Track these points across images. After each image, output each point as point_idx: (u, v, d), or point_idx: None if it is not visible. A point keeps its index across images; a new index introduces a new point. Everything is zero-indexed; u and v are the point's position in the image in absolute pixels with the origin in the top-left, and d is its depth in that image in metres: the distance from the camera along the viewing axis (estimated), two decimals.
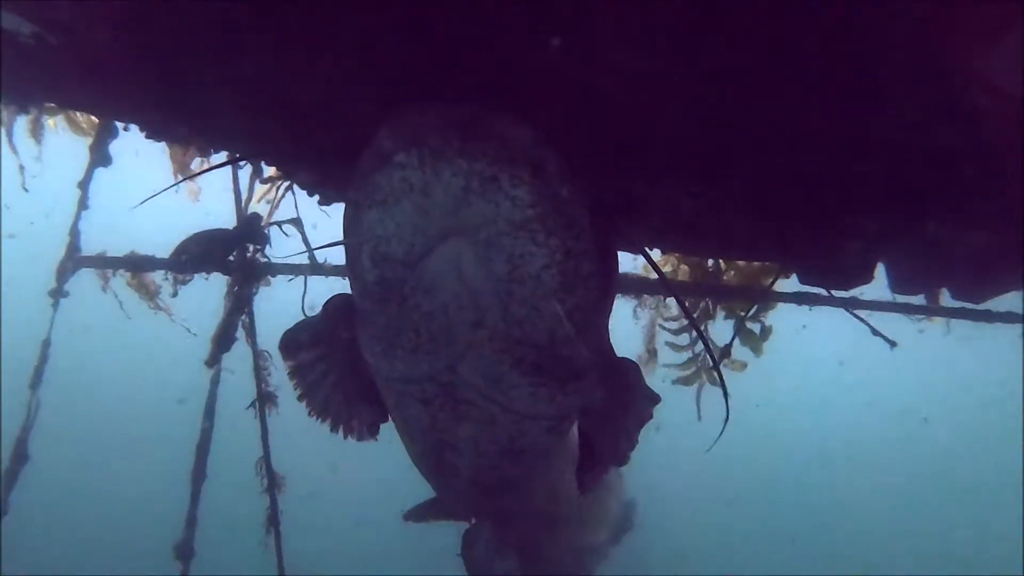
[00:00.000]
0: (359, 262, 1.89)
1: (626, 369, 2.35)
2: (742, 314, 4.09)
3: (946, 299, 3.95)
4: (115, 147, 3.95)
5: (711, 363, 4.06)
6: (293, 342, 2.42)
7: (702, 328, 4.16)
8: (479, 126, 1.64)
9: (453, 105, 1.69)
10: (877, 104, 1.89)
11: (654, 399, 2.37)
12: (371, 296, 1.93)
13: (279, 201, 3.86)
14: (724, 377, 2.42)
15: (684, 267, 3.99)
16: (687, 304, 3.89)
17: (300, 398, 2.47)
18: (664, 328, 4.11)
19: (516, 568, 3.32)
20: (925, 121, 1.89)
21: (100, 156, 3.97)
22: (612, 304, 2.32)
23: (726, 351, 3.59)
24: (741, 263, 3.93)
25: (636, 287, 4.03)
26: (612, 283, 2.11)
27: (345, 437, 2.49)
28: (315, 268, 3.52)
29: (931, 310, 4.07)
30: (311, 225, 3.66)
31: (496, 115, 1.67)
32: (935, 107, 1.84)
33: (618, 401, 2.28)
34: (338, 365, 2.44)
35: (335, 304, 2.36)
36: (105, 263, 3.92)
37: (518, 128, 1.67)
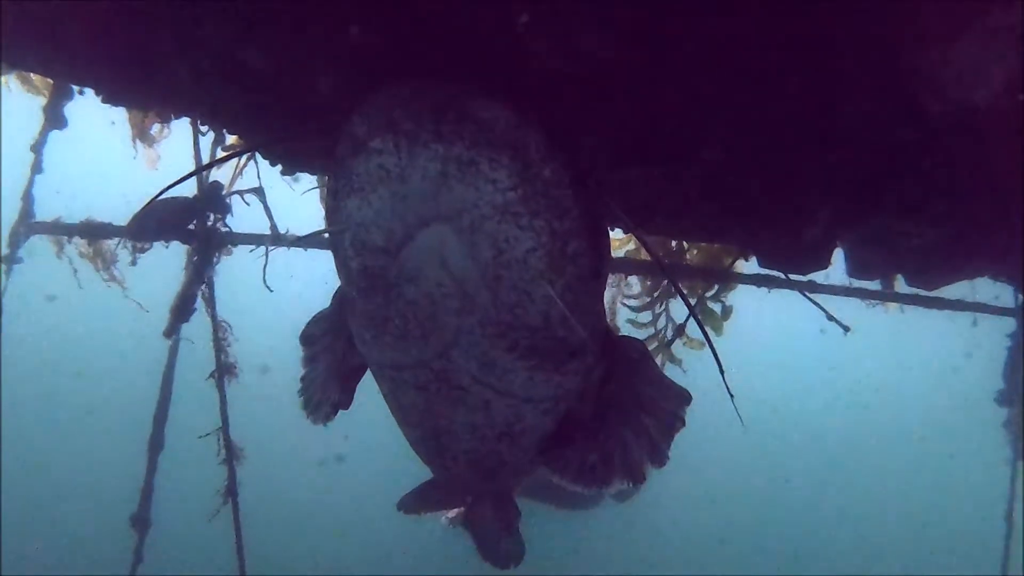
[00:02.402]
0: (343, 250, 1.86)
1: (625, 348, 2.29)
2: (703, 293, 4.16)
3: (901, 285, 4.09)
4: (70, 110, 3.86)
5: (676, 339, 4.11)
6: (309, 335, 2.57)
7: (663, 307, 4.22)
8: (454, 108, 1.58)
9: (427, 87, 1.63)
10: (835, 99, 1.92)
11: (682, 397, 2.24)
12: (356, 284, 1.90)
13: (241, 169, 3.79)
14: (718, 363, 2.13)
15: None
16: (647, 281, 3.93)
17: (299, 392, 2.60)
18: (625, 305, 4.15)
19: (522, 545, 3.28)
20: (880, 118, 1.93)
21: (55, 118, 3.85)
22: (605, 281, 2.26)
23: (681, 329, 3.65)
24: (704, 244, 3.98)
25: (620, 267, 4.06)
26: (603, 260, 2.05)
27: (307, 416, 2.53)
28: (276, 239, 3.48)
29: (886, 296, 4.18)
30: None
31: (471, 96, 1.61)
32: (889, 105, 1.87)
33: (620, 382, 2.24)
34: (335, 351, 2.46)
35: (343, 293, 2.35)
36: (60, 229, 3.82)
37: (494, 109, 1.61)
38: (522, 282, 1.73)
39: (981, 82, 1.67)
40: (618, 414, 2.25)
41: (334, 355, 2.49)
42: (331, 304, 2.44)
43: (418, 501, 3.38)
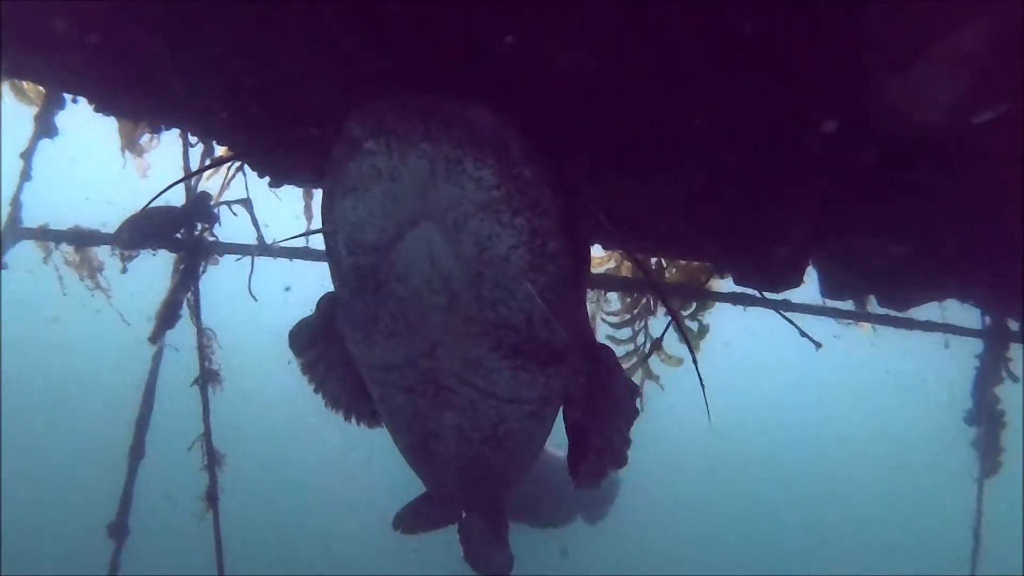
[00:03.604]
0: (336, 250, 1.92)
1: (604, 354, 2.39)
2: (682, 312, 4.25)
3: (874, 306, 4.20)
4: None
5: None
6: (296, 342, 2.55)
7: (642, 324, 4.30)
8: (443, 111, 1.66)
9: (419, 93, 1.72)
10: (804, 120, 2.01)
11: (633, 391, 2.42)
12: (348, 284, 1.95)
13: (229, 181, 3.84)
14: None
15: (627, 263, 4.11)
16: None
17: (315, 391, 2.62)
18: (605, 322, 4.22)
19: (511, 559, 3.37)
20: (845, 138, 2.02)
21: (45, 127, 3.90)
22: (586, 287, 2.33)
23: (658, 342, 3.73)
24: (683, 262, 4.07)
25: (601, 284, 4.13)
26: (583, 263, 2.11)
27: (358, 424, 2.64)
28: (263, 249, 3.53)
29: (858, 315, 4.29)
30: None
31: (459, 100, 1.70)
32: (854, 126, 1.97)
33: (601, 388, 2.32)
34: (339, 360, 2.51)
35: (327, 301, 2.41)
36: (48, 236, 3.86)
37: (480, 111, 1.69)
38: (504, 279, 1.79)
39: (934, 105, 1.77)
40: (601, 420, 2.34)
41: (339, 363, 2.53)
42: (316, 310, 2.49)
43: (412, 517, 3.41)
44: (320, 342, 2.55)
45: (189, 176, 3.27)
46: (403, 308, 1.88)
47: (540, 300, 1.82)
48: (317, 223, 4.36)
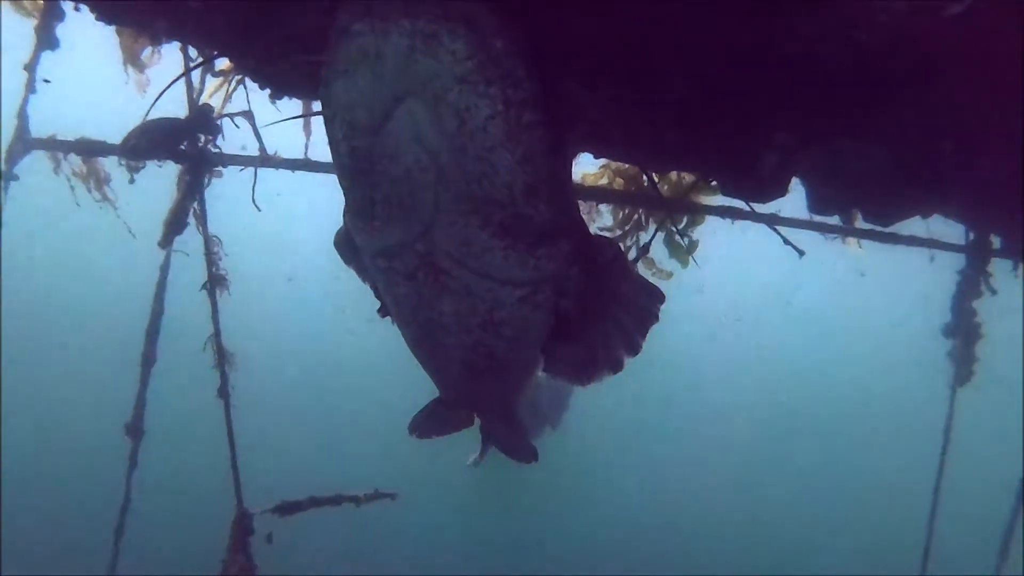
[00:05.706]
0: (335, 137, 2.02)
1: (601, 246, 2.48)
2: (672, 228, 4.36)
3: (860, 222, 4.30)
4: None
5: None
6: (342, 251, 2.79)
7: (634, 239, 4.42)
8: None
9: None
10: (775, 15, 2.06)
11: (656, 295, 2.50)
12: (347, 170, 2.06)
13: (231, 94, 3.91)
14: None
15: (620, 180, 4.20)
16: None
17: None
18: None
19: (535, 450, 3.69)
20: (818, 34, 2.08)
21: (46, 38, 3.94)
22: (568, 167, 2.38)
23: (645, 248, 3.86)
24: (673, 177, 4.16)
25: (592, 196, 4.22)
26: (561, 138, 2.17)
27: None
28: (265, 160, 3.63)
29: (845, 230, 4.40)
30: None
31: None
32: (825, 21, 2.02)
33: (601, 283, 2.41)
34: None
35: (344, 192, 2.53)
36: (56, 146, 3.95)
37: None
38: (484, 151, 1.89)
39: None
40: (598, 310, 2.44)
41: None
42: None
43: (427, 422, 3.59)
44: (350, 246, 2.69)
45: (187, 71, 3.33)
46: (396, 189, 1.98)
47: (519, 169, 1.92)
48: (317, 137, 4.44)
